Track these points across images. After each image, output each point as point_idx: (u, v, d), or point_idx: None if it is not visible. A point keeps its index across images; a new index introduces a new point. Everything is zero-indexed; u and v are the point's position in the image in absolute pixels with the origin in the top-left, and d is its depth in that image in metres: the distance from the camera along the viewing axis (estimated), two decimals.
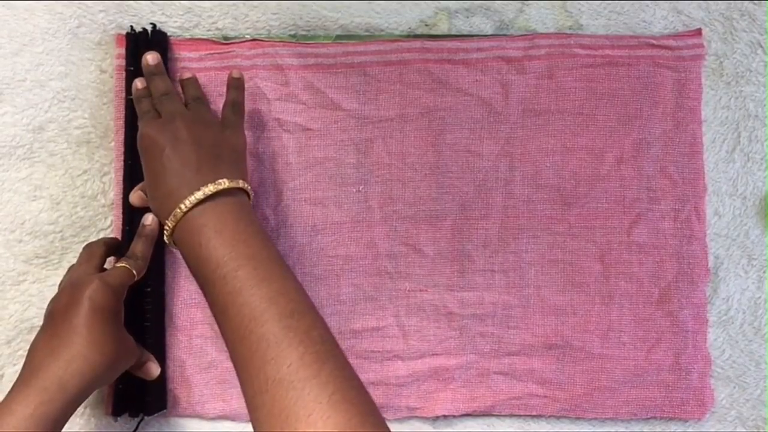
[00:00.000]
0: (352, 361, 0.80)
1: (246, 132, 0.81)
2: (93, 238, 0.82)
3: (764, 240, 0.82)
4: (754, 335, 0.82)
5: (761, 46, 0.83)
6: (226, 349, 0.80)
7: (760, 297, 0.82)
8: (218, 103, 0.81)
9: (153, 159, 0.68)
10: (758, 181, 0.82)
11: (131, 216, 0.79)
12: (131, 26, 0.82)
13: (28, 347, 0.80)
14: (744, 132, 0.83)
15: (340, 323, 0.81)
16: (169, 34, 0.82)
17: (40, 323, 0.80)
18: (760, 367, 0.82)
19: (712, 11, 0.83)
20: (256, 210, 0.81)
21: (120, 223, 0.80)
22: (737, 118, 0.83)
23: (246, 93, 0.81)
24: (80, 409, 0.81)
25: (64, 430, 0.66)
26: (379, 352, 0.81)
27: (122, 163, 0.80)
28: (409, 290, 0.81)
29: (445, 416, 0.81)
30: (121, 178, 0.80)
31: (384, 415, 0.80)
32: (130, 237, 0.78)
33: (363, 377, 0.79)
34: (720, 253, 0.82)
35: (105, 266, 0.75)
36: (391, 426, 0.81)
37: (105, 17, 0.83)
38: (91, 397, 0.81)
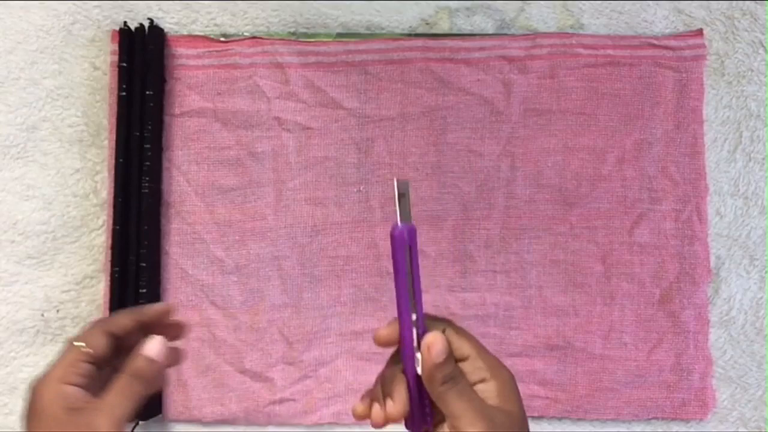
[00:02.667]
0: (353, 362, 0.80)
1: (245, 131, 0.81)
2: (85, 238, 0.81)
3: (765, 240, 0.82)
4: (755, 336, 0.82)
5: (763, 46, 0.83)
6: (223, 352, 0.80)
7: (761, 297, 0.82)
8: (216, 102, 0.80)
9: None
10: (760, 180, 0.82)
11: (123, 215, 0.78)
12: (125, 22, 0.80)
13: (19, 349, 0.79)
14: (745, 132, 0.83)
15: (341, 324, 0.80)
16: (165, 30, 0.81)
17: (32, 325, 0.80)
18: (761, 367, 0.82)
19: (714, 11, 0.83)
20: (257, 210, 0.80)
21: (111, 222, 0.78)
22: (739, 117, 0.83)
23: (245, 91, 0.81)
24: None
25: None
26: (380, 353, 0.79)
27: (115, 161, 0.79)
28: None
29: None
30: (113, 177, 0.79)
31: None
32: (121, 236, 0.77)
33: (364, 379, 0.80)
34: (721, 253, 0.82)
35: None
36: (392, 427, 0.80)
37: (100, 13, 0.82)
38: None
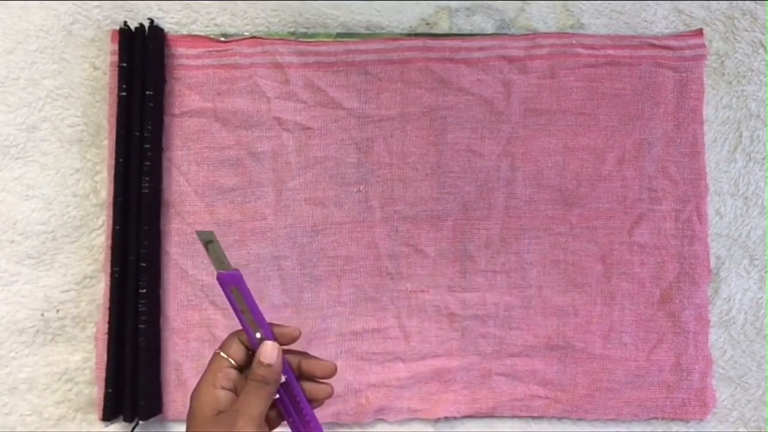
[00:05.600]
0: (353, 362, 0.80)
1: (245, 131, 0.81)
2: (85, 238, 0.81)
3: (765, 240, 0.82)
4: (755, 336, 0.82)
5: (763, 46, 0.83)
6: None
7: (761, 297, 0.82)
8: (216, 102, 0.80)
9: None
10: (760, 180, 0.82)
11: (123, 215, 0.78)
12: (125, 21, 0.80)
13: (18, 349, 0.79)
14: (745, 132, 0.83)
15: (341, 324, 0.80)
16: (165, 30, 0.81)
17: (31, 325, 0.80)
18: (761, 367, 0.82)
19: (714, 11, 0.83)
20: (257, 210, 0.80)
21: (111, 222, 0.78)
22: (739, 117, 0.83)
23: (245, 91, 0.81)
24: (71, 414, 0.80)
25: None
26: (380, 353, 0.80)
27: (114, 161, 0.78)
28: (410, 291, 0.81)
29: (446, 418, 0.81)
30: (113, 177, 0.79)
31: (385, 417, 0.80)
32: (121, 236, 0.77)
33: (364, 379, 0.80)
34: (721, 253, 0.82)
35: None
36: (393, 428, 0.81)
37: (100, 13, 0.82)
38: (83, 402, 0.80)
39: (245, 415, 0.56)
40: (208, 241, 0.58)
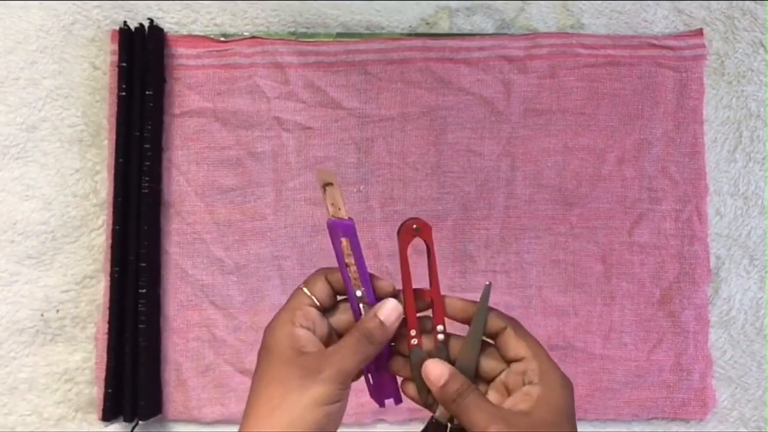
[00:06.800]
0: None
1: (245, 131, 0.81)
2: (85, 238, 0.81)
3: (765, 240, 0.82)
4: (755, 336, 0.82)
5: (763, 46, 0.83)
6: (223, 352, 0.79)
7: (761, 297, 0.82)
8: (215, 102, 0.80)
9: None
10: (760, 180, 0.82)
11: (123, 215, 0.78)
12: (125, 22, 0.80)
13: (18, 349, 0.79)
14: (746, 131, 0.83)
15: None
16: (165, 30, 0.81)
17: (31, 325, 0.80)
18: (761, 367, 0.82)
19: (714, 10, 0.83)
20: (257, 210, 0.80)
21: (111, 222, 0.78)
22: (739, 117, 0.83)
23: (245, 91, 0.81)
24: (71, 414, 0.80)
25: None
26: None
27: (114, 161, 0.78)
28: None
29: None
30: (113, 177, 0.79)
31: (385, 418, 0.80)
32: (121, 236, 0.77)
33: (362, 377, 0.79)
34: (721, 253, 0.82)
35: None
36: (393, 428, 0.81)
37: (100, 13, 0.82)
38: (83, 402, 0.80)
39: (335, 366, 0.50)
40: (327, 183, 0.53)
